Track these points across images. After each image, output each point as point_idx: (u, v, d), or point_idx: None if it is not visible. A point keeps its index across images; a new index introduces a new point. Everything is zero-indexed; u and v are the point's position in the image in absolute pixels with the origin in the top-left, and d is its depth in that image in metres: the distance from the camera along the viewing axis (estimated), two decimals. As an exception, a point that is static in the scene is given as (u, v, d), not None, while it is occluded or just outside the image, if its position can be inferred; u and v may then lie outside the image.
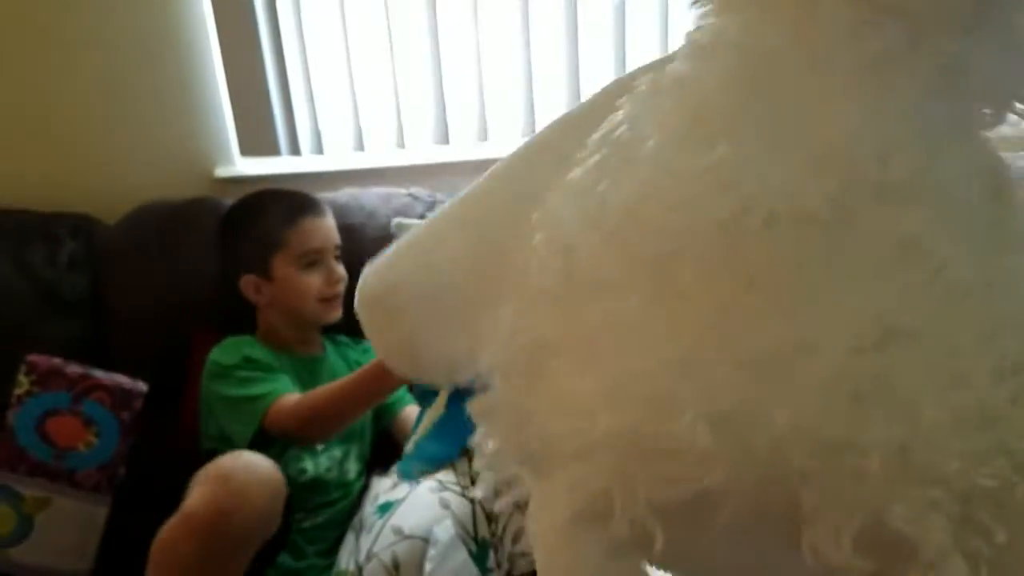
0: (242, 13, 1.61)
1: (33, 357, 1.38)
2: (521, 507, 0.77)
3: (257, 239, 1.38)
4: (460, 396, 1.07)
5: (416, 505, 1.22)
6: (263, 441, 1.26)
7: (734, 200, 0.36)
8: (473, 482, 1.18)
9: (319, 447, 1.34)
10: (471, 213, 0.54)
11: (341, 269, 1.39)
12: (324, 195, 1.56)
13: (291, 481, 1.31)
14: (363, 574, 1.16)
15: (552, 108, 1.68)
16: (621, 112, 0.45)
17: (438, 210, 0.60)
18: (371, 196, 1.59)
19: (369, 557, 1.18)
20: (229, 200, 1.55)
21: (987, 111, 0.39)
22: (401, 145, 1.73)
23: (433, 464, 1.07)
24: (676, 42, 1.72)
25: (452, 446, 1.07)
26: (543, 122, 1.66)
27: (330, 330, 1.45)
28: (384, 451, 1.42)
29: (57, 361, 1.38)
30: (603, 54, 1.65)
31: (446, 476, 1.21)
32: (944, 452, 0.35)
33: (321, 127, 1.73)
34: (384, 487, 1.31)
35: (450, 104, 1.69)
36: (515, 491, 0.46)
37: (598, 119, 0.46)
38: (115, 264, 1.57)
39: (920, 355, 0.35)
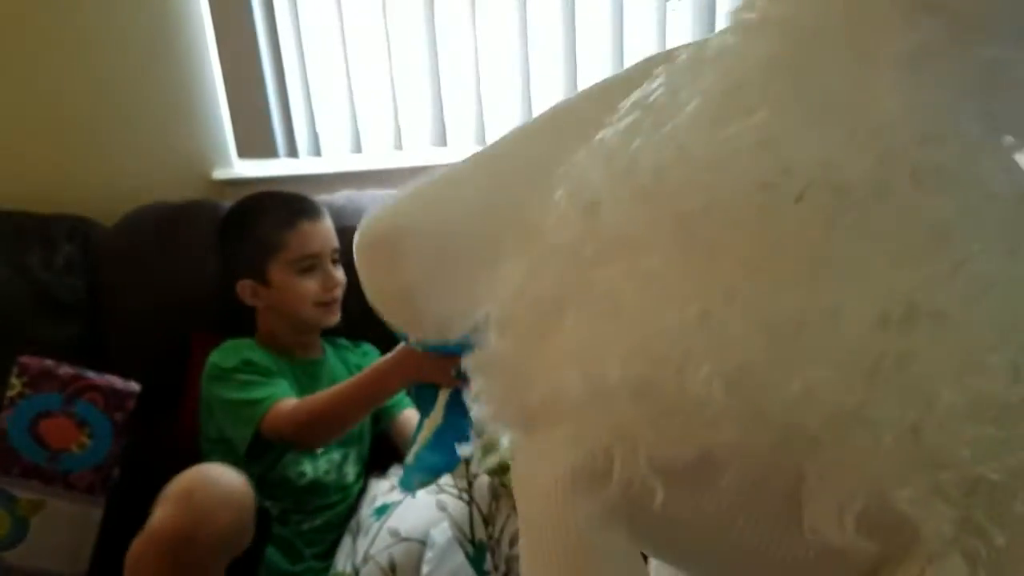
0: (239, 15, 1.61)
1: (25, 359, 1.37)
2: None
3: (253, 244, 1.38)
4: (458, 405, 1.07)
5: (413, 507, 1.22)
6: (262, 445, 1.25)
7: (772, 162, 0.36)
8: (471, 485, 1.18)
9: (318, 450, 1.34)
10: (491, 167, 0.53)
11: (339, 273, 1.39)
12: (322, 197, 1.56)
13: (290, 484, 1.31)
14: (359, 576, 1.16)
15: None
16: (658, 80, 0.45)
17: (456, 161, 0.59)
18: (369, 198, 1.59)
19: (366, 559, 1.18)
20: (227, 202, 1.55)
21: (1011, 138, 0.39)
22: (399, 147, 1.72)
23: (434, 474, 1.07)
24: (672, 41, 1.73)
25: (452, 455, 1.07)
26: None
27: (330, 333, 1.45)
28: (382, 454, 1.42)
29: (49, 362, 1.38)
30: (601, 56, 1.65)
31: (443, 479, 1.21)
32: (956, 437, 0.35)
33: (319, 129, 1.72)
34: (382, 489, 1.31)
35: (448, 106, 1.69)
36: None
37: (629, 91, 0.47)
38: (113, 266, 1.57)
39: (941, 339, 0.35)
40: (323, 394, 1.23)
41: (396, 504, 1.24)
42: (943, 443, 0.35)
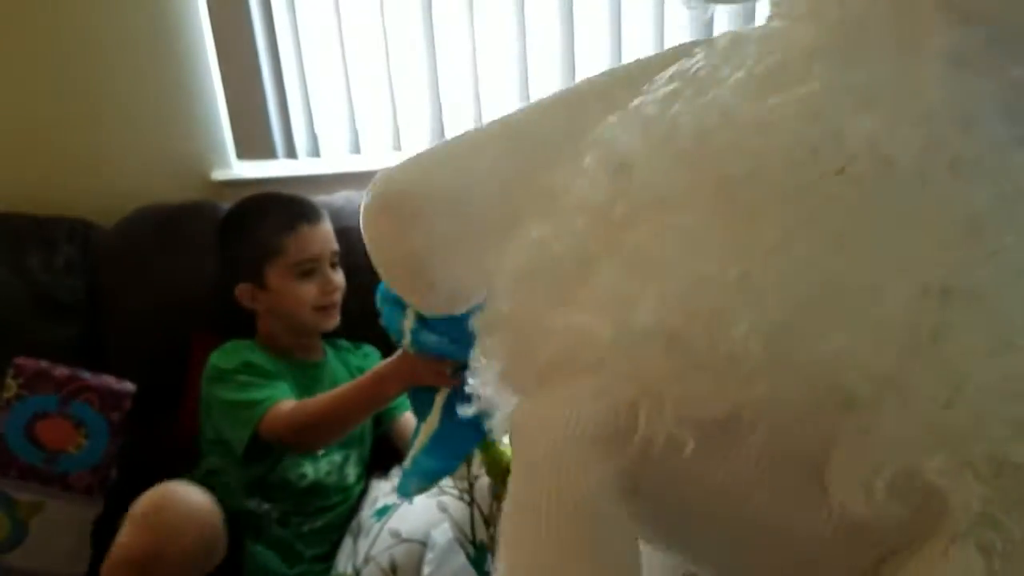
0: (238, 16, 1.61)
1: (20, 360, 1.37)
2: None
3: (251, 247, 1.37)
4: (455, 411, 1.07)
5: (414, 509, 1.21)
6: (261, 446, 1.25)
7: (820, 131, 0.36)
8: (471, 486, 1.17)
9: (319, 452, 1.34)
10: (514, 133, 0.52)
11: (338, 277, 1.38)
12: (320, 198, 1.56)
13: (291, 485, 1.31)
14: (360, 578, 1.16)
15: (549, 110, 1.67)
16: (697, 56, 0.45)
17: (477, 126, 0.58)
18: (368, 199, 1.59)
19: (367, 560, 1.18)
20: (226, 203, 1.55)
21: None
22: (397, 147, 1.72)
23: (432, 479, 1.06)
24: (671, 40, 1.73)
25: (450, 460, 1.07)
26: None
27: (331, 334, 1.44)
28: (383, 455, 1.42)
29: (44, 364, 1.38)
30: (600, 56, 1.64)
31: (444, 480, 1.20)
32: (986, 414, 0.35)
33: (317, 130, 1.72)
34: (383, 491, 1.31)
35: (446, 106, 1.69)
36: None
37: (653, 73, 0.46)
38: (112, 267, 1.57)
39: (974, 318, 0.36)
40: (322, 397, 1.23)
41: (397, 505, 1.24)
42: (975, 418, 0.35)
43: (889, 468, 0.35)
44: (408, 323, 1.05)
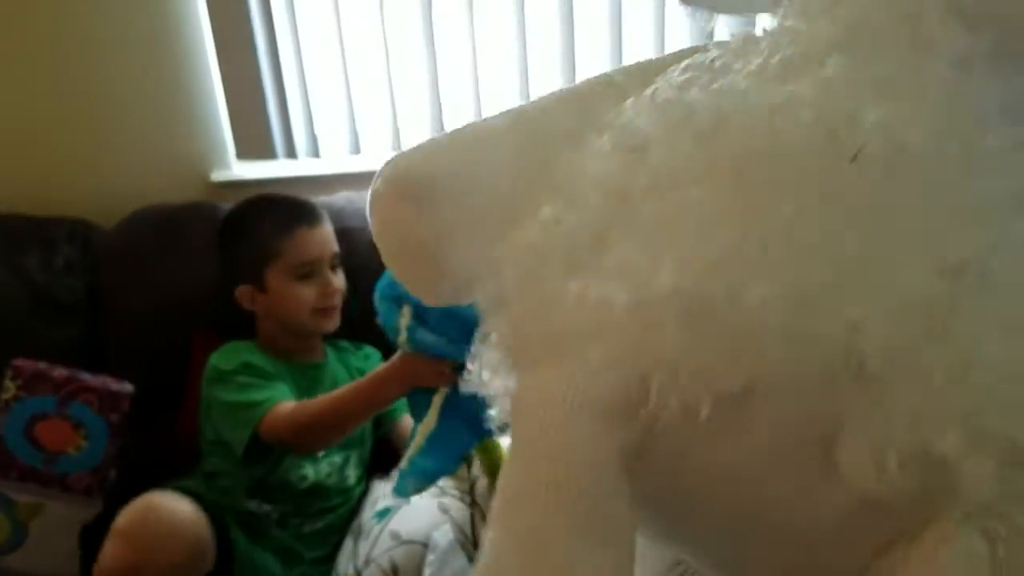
0: (237, 17, 1.61)
1: (18, 362, 1.37)
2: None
3: (251, 250, 1.37)
4: (453, 409, 1.08)
5: (415, 510, 1.21)
6: (261, 448, 1.25)
7: (836, 115, 0.37)
8: (472, 487, 1.17)
9: (319, 453, 1.34)
10: (526, 121, 0.51)
11: (338, 279, 1.38)
12: (320, 198, 1.55)
13: (291, 487, 1.31)
14: (361, 579, 1.16)
15: (549, 110, 1.67)
16: (712, 51, 0.45)
17: (486, 117, 0.57)
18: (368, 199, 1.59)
19: (367, 562, 1.17)
20: (225, 204, 1.54)
21: None
22: (398, 147, 1.72)
23: (428, 480, 1.06)
24: (673, 43, 1.73)
25: (446, 460, 1.07)
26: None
27: (331, 335, 1.44)
28: (384, 456, 1.41)
29: (42, 365, 1.38)
30: (599, 56, 1.64)
31: (445, 481, 1.20)
32: (1000, 393, 0.35)
33: (317, 130, 1.72)
34: (384, 492, 1.31)
35: (446, 106, 1.69)
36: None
37: (667, 67, 0.46)
38: (112, 268, 1.57)
39: (988, 297, 0.36)
40: (322, 398, 1.22)
41: (398, 507, 1.24)
42: (987, 395, 0.35)
43: (901, 441, 0.35)
44: (404, 321, 1.05)
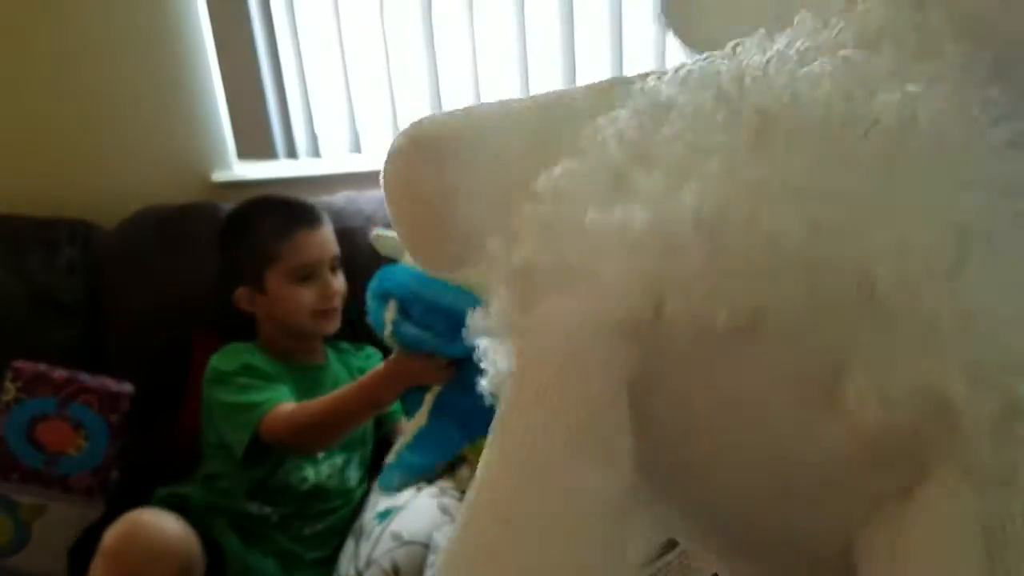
0: (237, 17, 1.61)
1: (18, 363, 1.38)
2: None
3: (250, 252, 1.36)
4: (443, 409, 1.08)
5: (416, 511, 1.21)
6: (261, 449, 1.25)
7: (853, 85, 0.38)
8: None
9: (320, 455, 1.34)
10: (547, 101, 0.52)
11: (338, 281, 1.37)
12: (321, 198, 1.56)
13: (292, 489, 1.31)
14: (362, 580, 1.16)
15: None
16: (724, 50, 0.46)
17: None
18: (369, 199, 1.59)
19: (369, 563, 1.18)
20: (226, 204, 1.55)
21: None
22: (398, 147, 1.72)
23: (413, 475, 1.07)
24: (672, 44, 1.72)
25: (433, 458, 1.07)
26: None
27: (332, 337, 1.44)
28: (385, 458, 1.42)
29: (42, 366, 1.38)
30: (599, 55, 1.64)
31: (446, 482, 1.21)
32: (1001, 341, 0.36)
33: (317, 130, 1.72)
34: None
35: (446, 105, 1.69)
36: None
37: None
38: (113, 268, 1.57)
39: (996, 258, 0.37)
40: (322, 399, 1.22)
41: (399, 508, 1.24)
42: (992, 344, 0.36)
43: (905, 376, 0.35)
44: (389, 315, 1.06)
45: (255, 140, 1.69)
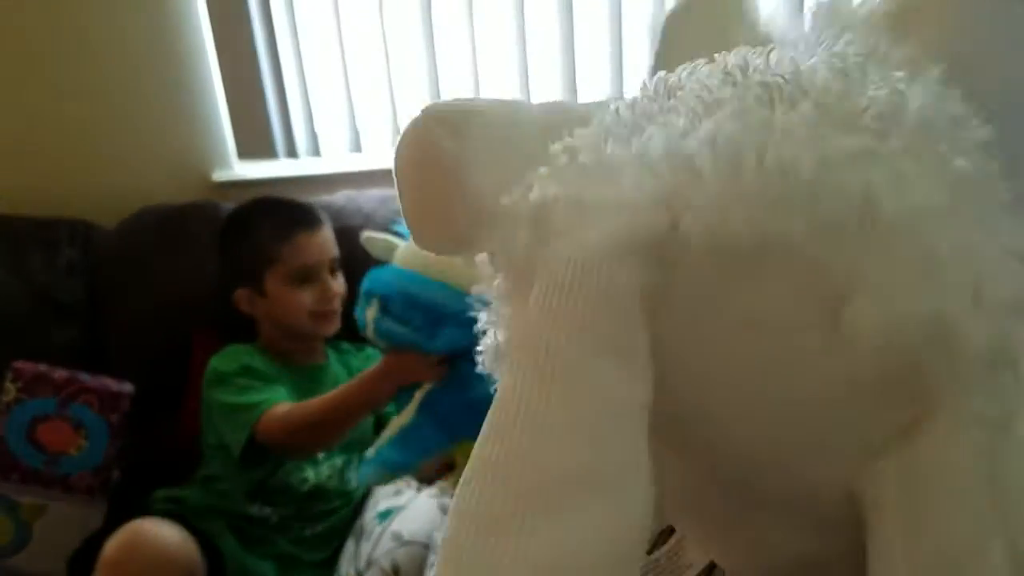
0: (237, 17, 1.61)
1: (18, 364, 1.38)
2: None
3: (249, 254, 1.36)
4: (429, 409, 1.08)
5: (416, 511, 1.22)
6: (260, 450, 1.25)
7: (854, 79, 0.41)
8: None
9: (320, 455, 1.34)
10: (557, 102, 0.55)
11: (337, 283, 1.37)
12: (321, 198, 1.56)
13: (292, 490, 1.31)
14: (363, 580, 1.16)
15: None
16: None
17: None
18: (369, 198, 1.59)
19: (369, 563, 1.18)
20: (227, 204, 1.55)
21: None
22: (398, 146, 1.72)
23: (392, 470, 1.07)
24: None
25: (413, 456, 1.07)
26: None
27: (333, 337, 1.44)
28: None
29: (43, 367, 1.38)
30: (600, 53, 1.64)
31: (446, 482, 1.21)
32: (1002, 268, 0.38)
33: (317, 129, 1.72)
34: (385, 493, 1.31)
35: (447, 105, 1.68)
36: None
37: None
38: (113, 268, 1.57)
39: (986, 211, 0.40)
40: (316, 400, 1.22)
41: (400, 508, 1.24)
42: (992, 268, 0.38)
43: (907, 301, 0.36)
44: (371, 313, 1.07)
45: (255, 140, 1.69)
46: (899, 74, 0.43)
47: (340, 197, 1.59)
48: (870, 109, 0.40)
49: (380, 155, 1.72)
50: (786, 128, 0.39)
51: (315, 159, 1.73)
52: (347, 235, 1.45)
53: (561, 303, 0.37)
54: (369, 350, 1.48)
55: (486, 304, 0.50)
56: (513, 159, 0.48)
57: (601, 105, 0.50)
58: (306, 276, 1.34)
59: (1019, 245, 0.39)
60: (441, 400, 1.08)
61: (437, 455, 1.11)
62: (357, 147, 1.72)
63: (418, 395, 1.08)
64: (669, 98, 0.44)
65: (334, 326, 1.37)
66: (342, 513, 1.35)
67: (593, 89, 1.66)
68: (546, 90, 1.66)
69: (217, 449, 1.31)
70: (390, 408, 1.37)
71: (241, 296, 1.38)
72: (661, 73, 0.47)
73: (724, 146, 0.38)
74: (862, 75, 0.43)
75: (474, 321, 0.94)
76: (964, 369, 0.37)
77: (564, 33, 1.62)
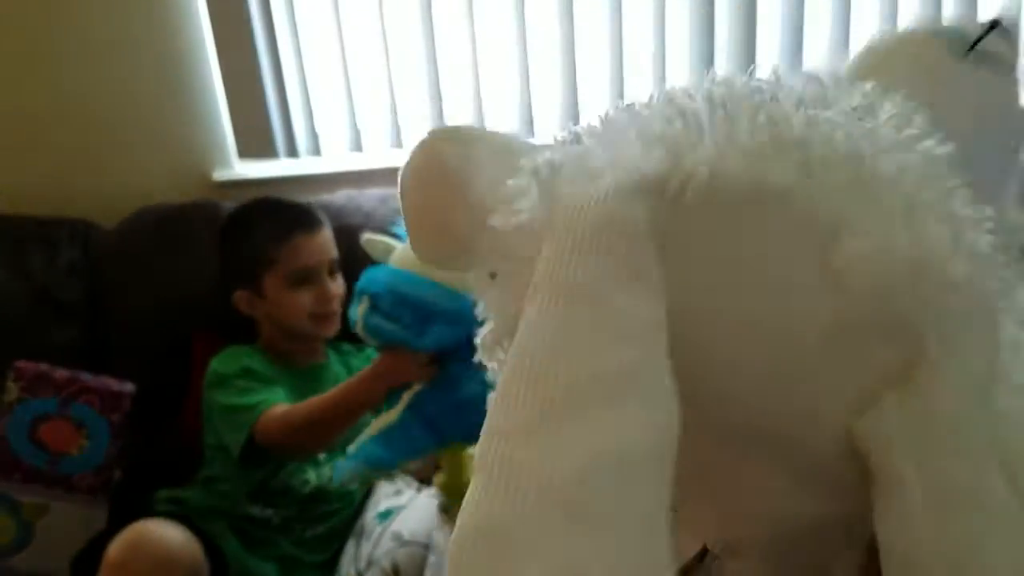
0: (237, 17, 1.61)
1: (20, 363, 1.38)
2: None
3: (248, 256, 1.36)
4: (417, 408, 1.09)
5: (416, 511, 1.22)
6: (258, 451, 1.25)
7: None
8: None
9: (321, 457, 1.34)
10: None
11: (336, 285, 1.37)
12: (322, 197, 1.56)
13: (293, 491, 1.31)
14: (363, 581, 1.16)
15: (549, 106, 1.67)
16: None
17: None
18: (369, 197, 1.59)
19: (369, 564, 1.18)
20: (227, 203, 1.55)
21: None
22: (398, 145, 1.72)
23: (370, 467, 1.07)
24: (671, 37, 1.72)
25: (395, 454, 1.08)
26: (540, 120, 1.67)
27: (333, 338, 1.43)
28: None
29: (44, 366, 1.39)
30: (600, 52, 1.64)
31: (436, 484, 1.21)
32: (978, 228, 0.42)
33: (318, 129, 1.72)
34: (386, 494, 1.31)
35: (446, 103, 1.69)
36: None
37: None
38: (114, 268, 1.57)
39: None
40: (312, 400, 1.23)
41: (400, 508, 1.24)
42: (967, 227, 0.42)
43: (892, 242, 0.39)
44: (360, 309, 1.08)
45: (256, 139, 1.69)
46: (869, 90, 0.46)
47: (340, 196, 1.59)
48: (855, 108, 0.44)
49: (380, 154, 1.72)
50: (776, 97, 0.43)
51: (315, 158, 1.73)
52: (347, 234, 1.45)
53: (578, 238, 0.39)
54: (370, 351, 1.48)
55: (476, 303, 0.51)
56: (510, 178, 0.50)
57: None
58: (305, 278, 1.34)
59: (984, 215, 0.43)
60: (429, 401, 1.08)
61: (422, 456, 1.11)
62: (357, 146, 1.72)
63: (406, 396, 1.09)
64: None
65: (334, 327, 1.37)
66: (343, 514, 1.35)
67: (593, 89, 1.66)
68: (546, 90, 1.66)
69: (218, 450, 1.32)
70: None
71: (240, 297, 1.38)
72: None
73: (721, 104, 0.41)
74: (845, 92, 0.45)
75: (463, 320, 0.98)
76: (948, 309, 0.40)
77: (564, 33, 1.62)
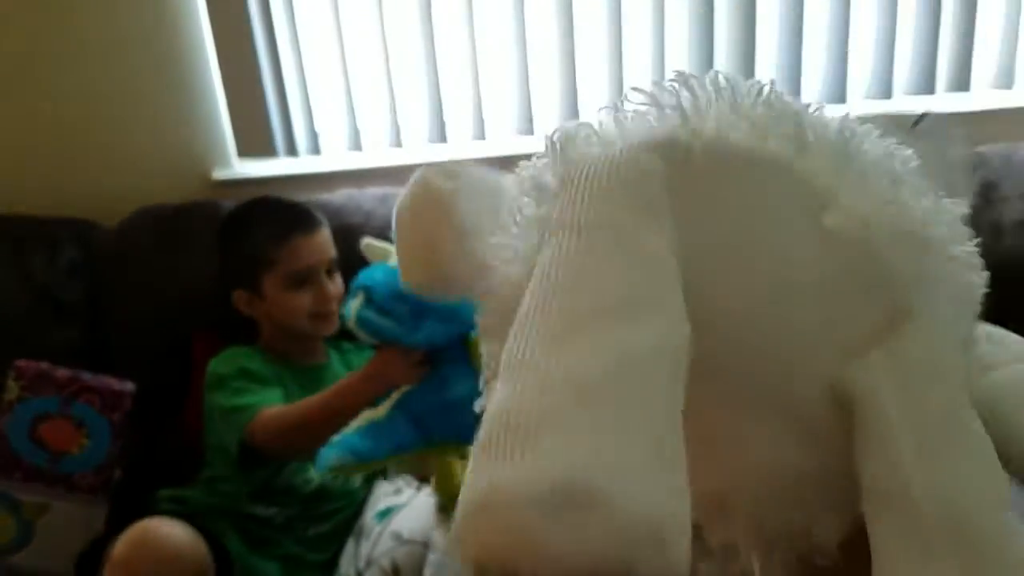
0: (237, 16, 1.61)
1: (21, 363, 1.38)
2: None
3: (247, 256, 1.36)
4: (405, 405, 1.09)
5: (416, 510, 1.22)
6: (257, 454, 1.25)
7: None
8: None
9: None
10: None
11: (334, 285, 1.37)
12: (321, 196, 1.56)
13: (296, 490, 1.31)
14: (363, 580, 1.16)
15: (549, 105, 1.67)
16: None
17: None
18: (368, 196, 1.59)
19: (369, 563, 1.18)
20: (227, 202, 1.55)
21: None
22: (398, 144, 1.72)
23: (352, 458, 1.07)
24: (671, 37, 1.72)
25: (379, 447, 1.08)
26: (540, 119, 1.67)
27: (334, 337, 1.43)
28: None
29: (45, 365, 1.39)
30: (599, 51, 1.64)
31: (431, 485, 1.21)
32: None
33: (317, 128, 1.72)
34: (385, 493, 1.31)
35: (446, 102, 1.69)
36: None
37: None
38: (114, 267, 1.57)
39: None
40: (306, 401, 1.23)
41: (399, 507, 1.25)
42: (946, 199, 0.48)
43: (878, 210, 0.43)
44: (355, 304, 1.08)
45: (255, 138, 1.69)
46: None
47: (340, 195, 1.59)
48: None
49: (380, 153, 1.72)
50: (773, 90, 0.46)
51: (315, 157, 1.73)
52: (347, 233, 1.46)
53: (593, 183, 0.42)
54: (369, 350, 1.48)
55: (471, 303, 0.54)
56: (495, 211, 0.52)
57: None
58: (304, 278, 1.34)
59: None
60: (417, 399, 1.09)
61: (408, 453, 1.11)
62: (357, 145, 1.72)
63: (396, 394, 1.10)
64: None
65: (333, 326, 1.37)
66: (346, 513, 1.35)
67: (593, 89, 1.66)
68: (546, 90, 1.66)
69: (219, 450, 1.32)
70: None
71: (240, 298, 1.39)
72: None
73: (726, 82, 0.46)
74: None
75: (456, 318, 1.01)
76: (926, 268, 0.44)
77: (564, 33, 1.62)
